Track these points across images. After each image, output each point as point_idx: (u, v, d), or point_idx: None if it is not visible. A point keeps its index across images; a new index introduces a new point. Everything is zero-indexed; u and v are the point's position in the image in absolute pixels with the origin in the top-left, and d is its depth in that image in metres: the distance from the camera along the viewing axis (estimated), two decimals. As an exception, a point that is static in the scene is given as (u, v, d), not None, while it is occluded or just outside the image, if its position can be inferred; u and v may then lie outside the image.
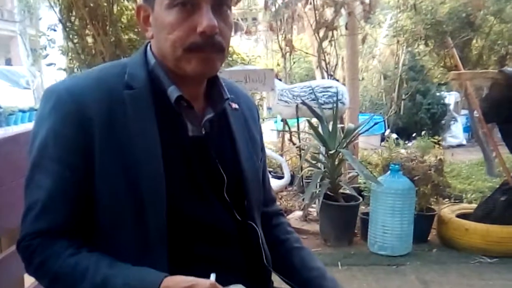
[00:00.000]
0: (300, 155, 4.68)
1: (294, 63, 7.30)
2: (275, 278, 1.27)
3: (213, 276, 0.92)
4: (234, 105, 1.21)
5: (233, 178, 1.13)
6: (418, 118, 8.69)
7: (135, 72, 1.07)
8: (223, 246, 1.11)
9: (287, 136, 5.32)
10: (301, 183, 4.73)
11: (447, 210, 4.10)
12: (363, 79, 9.16)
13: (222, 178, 1.11)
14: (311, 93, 4.23)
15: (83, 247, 1.00)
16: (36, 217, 0.99)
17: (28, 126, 1.16)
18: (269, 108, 9.25)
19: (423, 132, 5.89)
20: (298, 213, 4.52)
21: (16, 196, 1.26)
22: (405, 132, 8.00)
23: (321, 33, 5.19)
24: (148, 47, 1.12)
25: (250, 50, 9.54)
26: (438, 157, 4.13)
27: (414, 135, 6.62)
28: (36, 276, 1.02)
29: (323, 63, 5.20)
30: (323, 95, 4.23)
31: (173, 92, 1.06)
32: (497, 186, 4.12)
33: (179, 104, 1.07)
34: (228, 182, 1.11)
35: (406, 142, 5.71)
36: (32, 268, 1.01)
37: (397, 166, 3.73)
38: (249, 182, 1.16)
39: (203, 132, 1.10)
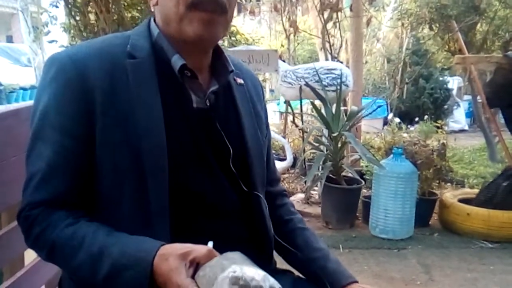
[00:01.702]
0: (302, 138, 4.66)
1: (298, 44, 7.24)
2: (277, 259, 1.26)
3: (210, 244, 0.90)
4: (239, 80, 1.20)
5: (238, 151, 1.11)
6: (420, 102, 8.66)
7: (138, 42, 1.06)
8: (226, 218, 1.09)
9: (289, 118, 5.29)
10: (303, 166, 4.72)
11: (449, 195, 4.10)
12: (366, 62, 9.11)
13: (227, 150, 1.09)
14: (315, 74, 4.19)
15: (82, 218, 0.98)
16: (36, 188, 0.98)
17: (30, 102, 1.13)
18: (271, 90, 9.22)
19: (425, 117, 5.86)
20: (300, 195, 4.51)
21: (16, 172, 1.25)
22: (407, 117, 7.98)
23: (326, 14, 5.14)
24: (152, 20, 1.10)
25: (253, 31, 9.46)
26: (441, 141, 4.10)
27: (416, 119, 6.60)
28: (35, 247, 1.01)
29: (327, 45, 5.15)
30: (327, 77, 4.20)
31: (177, 61, 1.04)
32: (499, 171, 4.11)
33: (182, 74, 1.05)
34: (233, 154, 1.10)
35: (409, 126, 5.68)
36: (31, 239, 0.99)
37: (400, 149, 3.71)
38: (253, 157, 1.15)
39: (208, 104, 1.08)
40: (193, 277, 0.85)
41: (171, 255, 0.87)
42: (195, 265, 0.86)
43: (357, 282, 1.16)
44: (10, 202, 1.35)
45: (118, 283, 0.90)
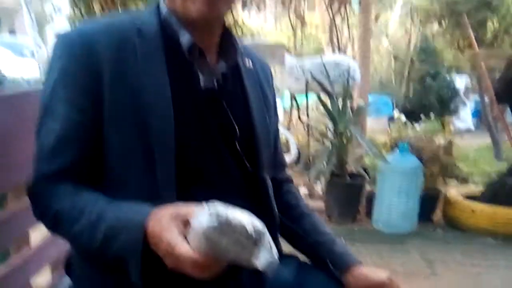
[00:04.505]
0: (307, 132, 4.66)
1: (304, 37, 7.21)
2: (283, 245, 1.25)
3: (206, 205, 0.90)
4: (248, 63, 1.19)
5: (244, 132, 1.11)
6: (426, 101, 8.58)
7: (147, 19, 1.06)
8: (231, 198, 1.08)
9: (295, 113, 5.28)
10: (308, 161, 4.71)
11: (454, 191, 4.09)
12: (372, 61, 9.06)
13: (234, 130, 1.09)
14: (321, 68, 4.18)
15: (86, 189, 0.98)
16: (44, 161, 0.98)
17: (39, 87, 1.15)
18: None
19: (431, 115, 5.84)
20: (303, 190, 4.51)
21: (24, 153, 1.24)
22: (413, 115, 7.92)
23: (334, 8, 5.12)
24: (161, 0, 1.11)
25: (260, 25, 9.43)
26: (448, 139, 4.09)
27: (422, 118, 6.57)
28: (41, 218, 1.02)
29: (334, 39, 5.13)
30: (334, 70, 4.19)
31: (185, 39, 1.04)
32: (504, 170, 4.10)
33: (191, 52, 1.05)
34: (239, 135, 1.09)
35: (414, 124, 5.67)
36: (38, 211, 1.01)
37: (405, 144, 3.71)
38: (260, 139, 1.14)
39: (215, 84, 1.08)
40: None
41: (164, 216, 0.86)
42: (189, 224, 0.85)
43: (362, 264, 1.17)
44: (16, 182, 1.34)
45: (113, 247, 0.90)
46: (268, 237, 0.79)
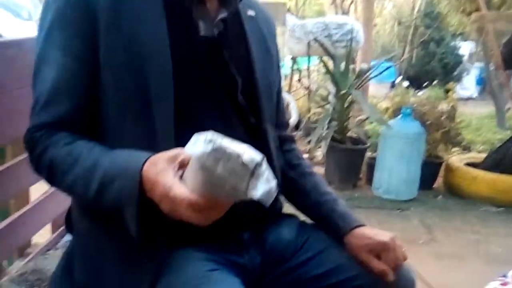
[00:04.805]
0: (308, 97, 4.59)
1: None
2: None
3: None
4: (250, 12, 1.15)
5: (246, 84, 1.08)
6: (430, 67, 8.52)
7: None
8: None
9: (296, 76, 5.19)
10: (308, 126, 4.66)
11: (456, 158, 4.06)
12: (375, 25, 8.92)
13: (234, 81, 1.05)
14: (324, 29, 4.09)
15: (81, 138, 0.96)
16: (40, 110, 0.97)
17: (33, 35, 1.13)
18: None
19: (434, 82, 5.76)
20: (304, 156, 4.47)
21: (21, 104, 1.24)
22: (416, 81, 7.85)
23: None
24: None
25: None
26: (451, 104, 4.03)
27: (425, 84, 6.50)
28: (37, 167, 1.00)
29: (337, 0, 5.02)
30: (337, 32, 4.10)
31: None
32: (507, 138, 4.06)
33: None
34: (241, 86, 1.06)
35: (417, 91, 5.60)
36: (34, 160, 0.99)
37: (409, 109, 3.66)
38: (262, 91, 1.11)
39: (216, 33, 1.03)
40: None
41: (159, 159, 0.83)
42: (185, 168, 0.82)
43: (365, 225, 1.14)
44: (15, 134, 1.33)
45: (109, 195, 0.88)
46: (266, 168, 0.75)
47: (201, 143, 0.73)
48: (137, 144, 0.94)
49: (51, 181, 0.99)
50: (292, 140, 1.32)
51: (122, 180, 0.86)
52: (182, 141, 0.93)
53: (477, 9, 4.07)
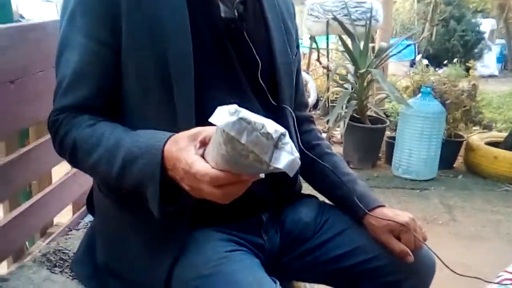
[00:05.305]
0: (327, 75, 4.56)
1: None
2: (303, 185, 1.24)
3: None
4: None
5: (266, 64, 1.08)
6: (450, 45, 8.37)
7: None
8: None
9: (314, 56, 5.14)
10: (327, 105, 4.64)
11: (476, 138, 4.01)
12: (395, 2, 8.79)
13: (255, 62, 1.06)
14: (343, 8, 4.04)
15: (103, 120, 0.98)
16: (63, 93, 0.98)
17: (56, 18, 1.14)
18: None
19: (454, 60, 5.66)
20: (322, 135, 4.46)
21: (44, 86, 1.27)
22: (436, 59, 7.73)
23: None
24: None
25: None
26: (472, 82, 3.97)
27: (445, 62, 6.39)
28: (60, 150, 1.01)
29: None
30: (356, 10, 4.05)
31: None
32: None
33: None
34: (261, 67, 1.06)
35: (437, 69, 5.51)
36: (57, 142, 1.00)
37: (428, 88, 3.61)
38: (282, 71, 1.11)
39: (236, 14, 1.03)
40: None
41: (181, 138, 0.84)
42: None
43: (384, 206, 1.14)
44: (38, 117, 1.35)
45: (131, 173, 0.89)
46: (288, 139, 0.74)
47: (225, 114, 0.72)
48: (159, 125, 0.95)
49: (74, 162, 1.01)
50: (311, 120, 1.33)
51: (144, 159, 0.87)
52: (202, 123, 0.94)
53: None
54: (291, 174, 0.72)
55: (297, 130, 1.16)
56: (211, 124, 0.74)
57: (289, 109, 1.12)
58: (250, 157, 0.72)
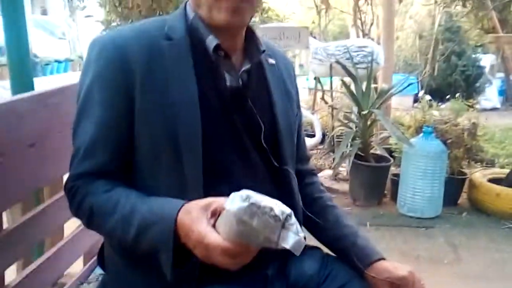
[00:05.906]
0: (332, 114, 4.65)
1: (329, 21, 7.14)
2: (306, 236, 1.28)
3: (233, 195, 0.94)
4: (271, 61, 1.23)
5: (269, 128, 1.15)
6: (452, 80, 8.49)
7: (174, 24, 1.11)
8: (257, 192, 1.13)
9: (319, 94, 5.26)
10: (332, 143, 4.71)
11: (479, 174, 4.04)
12: (397, 38, 8.94)
13: (259, 127, 1.13)
14: (345, 52, 4.16)
15: (119, 185, 1.04)
16: (80, 161, 1.05)
17: (75, 81, 1.22)
18: (300, 65, 9.14)
19: (457, 94, 5.74)
20: (328, 172, 4.52)
21: (61, 147, 1.32)
22: (438, 94, 7.82)
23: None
24: (188, 2, 1.15)
25: (284, 6, 9.36)
26: (472, 121, 4.04)
27: (447, 97, 6.48)
28: (77, 214, 1.08)
29: (358, 22, 5.08)
30: (358, 54, 4.16)
31: (211, 41, 1.08)
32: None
33: (216, 54, 1.09)
34: (264, 130, 1.13)
35: (439, 104, 5.58)
36: (74, 207, 1.07)
37: (430, 128, 3.68)
38: (284, 133, 1.18)
39: (240, 83, 1.12)
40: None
41: (193, 208, 0.91)
42: (218, 216, 0.89)
43: (385, 259, 1.19)
44: (52, 177, 1.41)
45: (146, 239, 0.95)
46: (294, 220, 0.83)
47: (238, 200, 0.81)
48: (169, 190, 1.02)
49: (91, 226, 1.07)
50: (313, 173, 1.39)
51: (158, 227, 0.94)
52: (210, 187, 1.02)
53: (494, 27, 4.08)
54: (297, 254, 0.80)
55: (299, 184, 1.23)
56: (219, 193, 0.82)
57: (290, 168, 1.19)
58: (261, 236, 0.81)
